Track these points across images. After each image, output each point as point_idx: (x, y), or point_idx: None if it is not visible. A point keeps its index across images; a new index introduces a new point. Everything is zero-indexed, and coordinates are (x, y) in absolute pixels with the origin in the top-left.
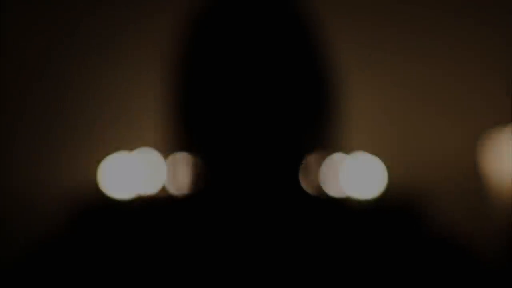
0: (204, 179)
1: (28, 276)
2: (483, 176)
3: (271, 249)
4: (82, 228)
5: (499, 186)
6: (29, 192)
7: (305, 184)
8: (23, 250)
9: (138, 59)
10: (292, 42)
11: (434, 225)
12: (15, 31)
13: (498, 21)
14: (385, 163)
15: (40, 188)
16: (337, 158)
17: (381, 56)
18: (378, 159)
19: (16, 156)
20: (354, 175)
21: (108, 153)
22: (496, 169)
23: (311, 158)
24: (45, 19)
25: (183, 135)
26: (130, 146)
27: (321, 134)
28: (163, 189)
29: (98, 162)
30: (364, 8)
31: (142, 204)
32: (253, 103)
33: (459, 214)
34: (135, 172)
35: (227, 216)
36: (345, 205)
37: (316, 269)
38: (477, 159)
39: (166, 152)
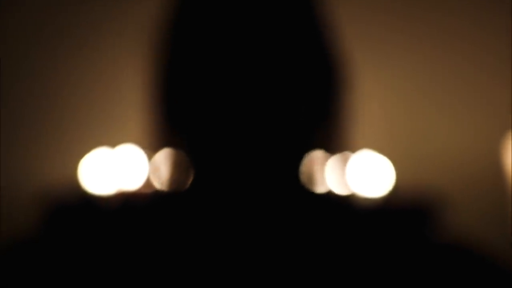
0: (194, 176)
1: (3, 277)
2: (504, 176)
3: (268, 250)
4: (62, 224)
5: None
6: (6, 189)
7: (308, 182)
8: (0, 250)
9: (121, 52)
10: (296, 35)
11: (446, 227)
12: None
13: None
14: (394, 163)
15: (18, 184)
16: (343, 157)
17: (392, 50)
18: (386, 158)
19: None
20: (360, 173)
21: (89, 149)
22: None
23: (316, 156)
24: (23, 13)
25: (170, 131)
26: (112, 142)
27: (327, 131)
28: (146, 185)
29: (79, 158)
30: (373, 3)
31: (123, 200)
32: (250, 98)
33: (475, 218)
34: (117, 169)
35: (218, 214)
36: (350, 203)
37: (319, 269)
38: (497, 158)
39: (149, 149)
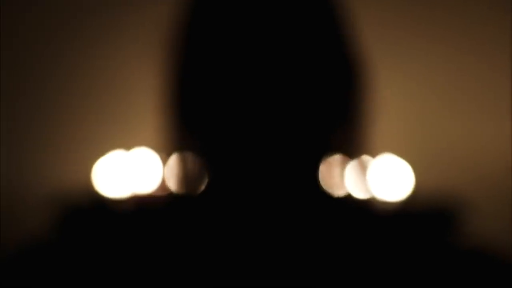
0: (209, 179)
1: (16, 281)
2: None
3: (285, 254)
4: (75, 227)
5: None
6: (20, 191)
7: (326, 186)
8: (13, 253)
9: (136, 54)
10: (315, 37)
11: (466, 231)
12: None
13: None
14: (414, 166)
15: (32, 186)
16: (362, 160)
17: (411, 52)
18: (406, 162)
19: (7, 154)
20: (380, 177)
21: (103, 152)
22: None
23: (335, 160)
24: (35, 15)
25: (185, 134)
26: (126, 145)
27: (346, 135)
28: (160, 188)
29: (93, 161)
30: (395, 5)
31: (138, 203)
32: (267, 100)
33: (497, 222)
34: (131, 171)
35: (234, 218)
36: (369, 207)
37: (338, 273)
38: None
39: (164, 151)
